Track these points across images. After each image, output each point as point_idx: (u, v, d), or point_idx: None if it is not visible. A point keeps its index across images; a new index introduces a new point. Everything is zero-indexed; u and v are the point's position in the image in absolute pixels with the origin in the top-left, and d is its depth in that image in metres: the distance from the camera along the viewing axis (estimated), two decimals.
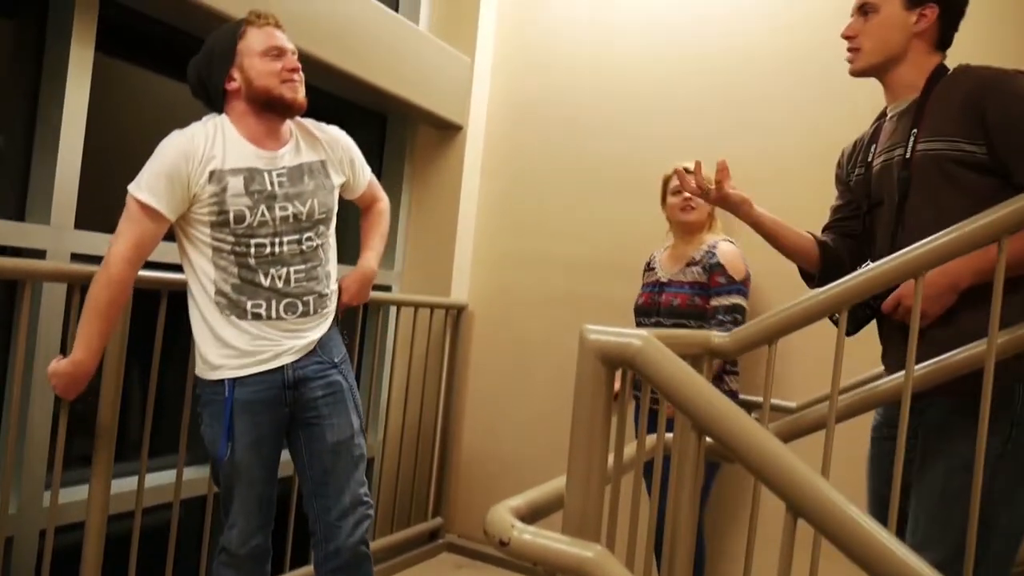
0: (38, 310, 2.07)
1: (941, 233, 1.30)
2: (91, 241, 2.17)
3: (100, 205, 2.26)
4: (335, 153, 1.96)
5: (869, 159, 1.65)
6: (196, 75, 1.86)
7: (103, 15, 2.17)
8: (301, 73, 1.85)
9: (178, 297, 1.96)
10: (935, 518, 1.40)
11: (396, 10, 3.36)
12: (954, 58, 1.59)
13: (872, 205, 1.64)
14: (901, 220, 1.54)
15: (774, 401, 2.40)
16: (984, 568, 1.33)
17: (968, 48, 1.64)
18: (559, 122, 3.35)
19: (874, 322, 1.59)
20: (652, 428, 1.39)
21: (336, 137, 1.98)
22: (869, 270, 1.36)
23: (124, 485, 2.17)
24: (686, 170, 2.00)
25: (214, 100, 1.85)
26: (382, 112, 3.37)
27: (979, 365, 1.30)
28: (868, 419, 1.66)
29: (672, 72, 3.11)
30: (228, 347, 1.79)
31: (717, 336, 1.48)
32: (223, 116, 1.83)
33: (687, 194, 2.51)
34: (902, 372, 1.34)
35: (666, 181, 2.68)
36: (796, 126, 2.85)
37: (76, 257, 2.13)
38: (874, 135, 1.68)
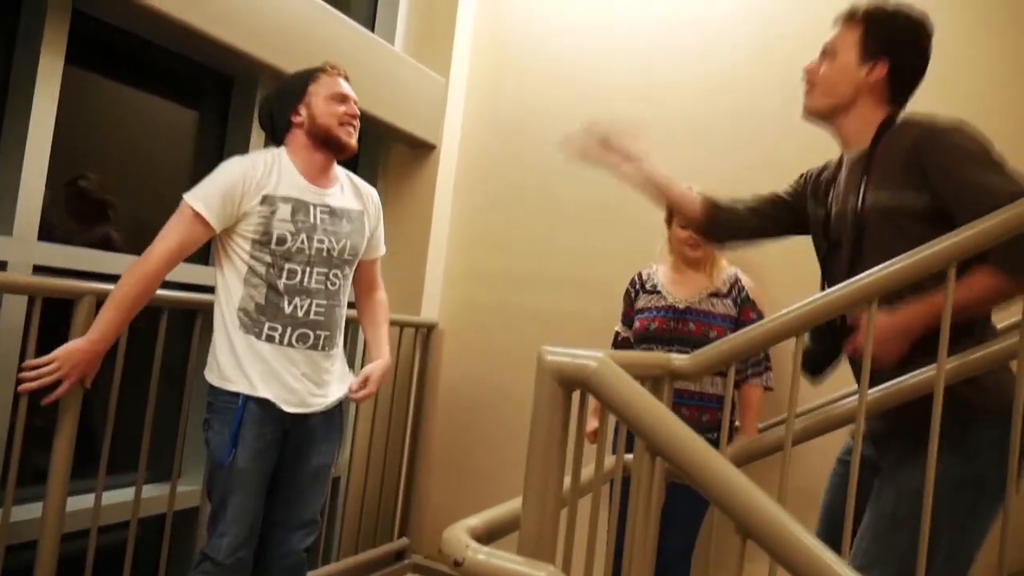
0: None
1: (893, 260, 1.34)
2: (54, 253, 2.14)
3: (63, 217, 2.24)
4: (371, 210, 2.15)
5: (829, 201, 1.69)
6: (268, 106, 2.07)
7: (74, 26, 2.16)
8: (358, 121, 2.06)
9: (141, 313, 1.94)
10: (881, 540, 1.42)
11: (372, 30, 3.38)
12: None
13: (831, 246, 1.67)
14: (856, 265, 1.56)
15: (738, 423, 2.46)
16: None
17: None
18: (532, 141, 3.38)
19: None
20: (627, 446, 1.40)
21: (374, 196, 2.19)
22: (824, 295, 1.39)
23: (80, 503, 2.13)
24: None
25: (277, 131, 2.04)
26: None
27: (929, 389, 1.33)
28: (828, 440, 1.68)
29: (644, 94, 3.16)
30: (244, 365, 1.91)
31: (678, 359, 1.50)
32: (282, 149, 2.01)
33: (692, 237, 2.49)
34: (855, 396, 1.37)
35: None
36: (776, 149, 2.88)
37: (38, 269, 2.11)
38: (835, 177, 1.71)
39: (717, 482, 0.98)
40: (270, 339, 1.92)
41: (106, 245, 2.47)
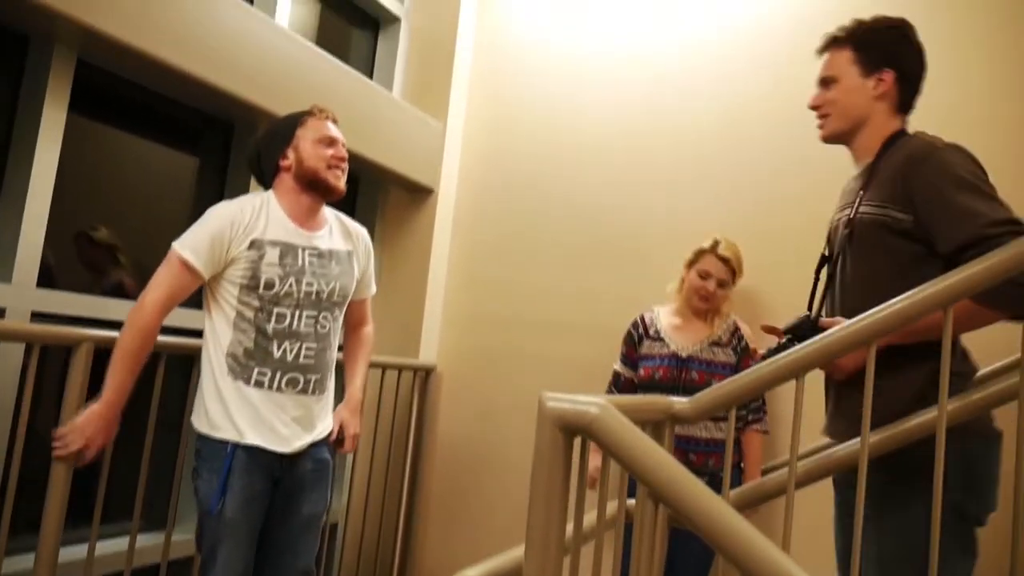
0: None
1: (891, 302, 1.35)
2: (52, 299, 2.14)
3: (64, 264, 2.25)
4: (360, 250, 2.13)
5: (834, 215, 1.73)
6: (256, 149, 2.05)
7: (77, 74, 2.20)
8: (346, 164, 2.04)
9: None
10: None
11: (371, 77, 3.44)
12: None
13: (829, 257, 1.70)
14: (840, 276, 1.63)
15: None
16: None
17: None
18: (529, 186, 3.42)
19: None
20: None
21: (363, 236, 2.16)
22: (822, 338, 1.39)
23: (74, 553, 2.09)
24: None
25: (266, 174, 2.03)
26: (354, 174, 3.40)
27: (930, 431, 1.33)
28: (831, 483, 1.67)
29: (642, 141, 3.20)
30: (232, 412, 1.88)
31: (678, 403, 1.49)
32: (270, 192, 2.00)
33: (711, 288, 2.53)
34: (856, 440, 1.36)
35: (699, 253, 2.59)
36: (772, 195, 2.92)
37: (36, 316, 2.11)
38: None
39: (719, 528, 0.97)
40: (259, 384, 1.90)
41: (119, 292, 2.49)
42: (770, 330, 1.65)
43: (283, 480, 1.94)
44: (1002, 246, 1.30)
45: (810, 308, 1.68)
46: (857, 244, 1.59)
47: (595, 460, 2.52)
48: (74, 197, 2.32)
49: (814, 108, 1.71)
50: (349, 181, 3.38)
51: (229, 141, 2.80)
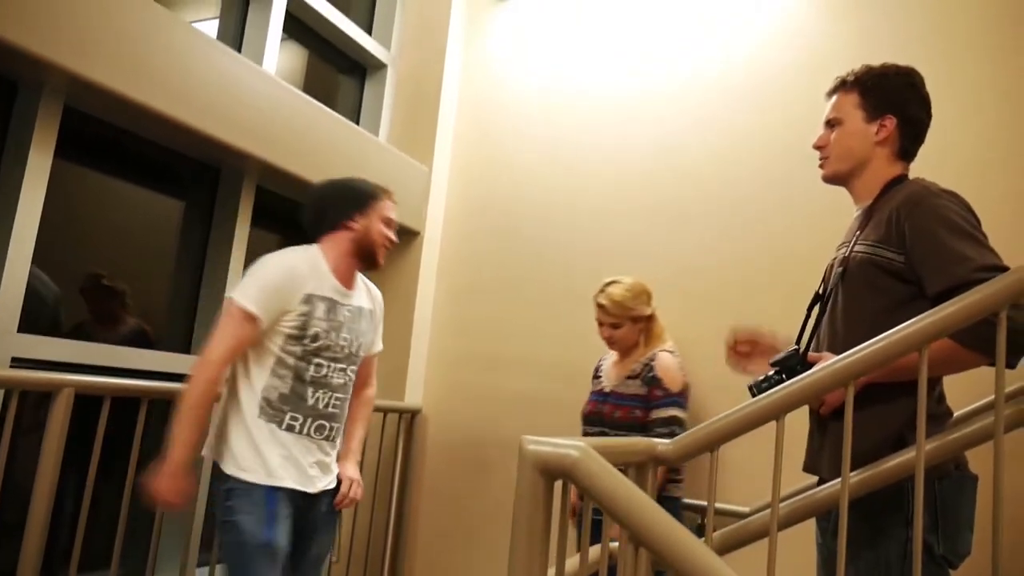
0: None
1: (869, 342, 1.36)
2: (33, 345, 2.13)
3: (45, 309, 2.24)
4: (378, 310, 2.26)
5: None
6: (323, 202, 2.14)
7: (65, 121, 2.22)
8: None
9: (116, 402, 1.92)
10: None
11: (357, 122, 3.49)
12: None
13: (823, 296, 1.73)
14: (831, 313, 1.65)
15: (727, 506, 2.43)
16: None
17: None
18: (513, 229, 3.45)
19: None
20: (595, 538, 1.38)
21: (380, 298, 2.29)
22: (803, 378, 1.40)
23: None
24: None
25: (322, 225, 2.11)
26: None
27: (908, 472, 1.34)
28: (813, 524, 1.67)
29: (623, 184, 3.24)
30: (264, 452, 1.92)
31: (661, 444, 1.50)
32: (316, 248, 2.07)
33: (605, 333, 2.65)
34: (838, 480, 1.37)
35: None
36: (756, 231, 2.95)
37: (16, 361, 2.09)
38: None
39: (700, 573, 0.97)
40: (290, 428, 1.96)
41: (139, 340, 2.48)
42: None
43: (298, 520, 1.98)
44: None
45: (798, 343, 1.70)
46: (849, 282, 1.61)
47: (573, 497, 2.55)
48: (60, 241, 2.33)
49: (818, 148, 1.75)
50: None
51: (215, 185, 2.82)
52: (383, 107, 3.58)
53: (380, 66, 3.62)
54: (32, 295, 2.22)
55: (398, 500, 3.32)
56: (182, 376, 2.53)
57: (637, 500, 1.01)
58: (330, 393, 2.03)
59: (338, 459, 2.13)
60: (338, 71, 3.54)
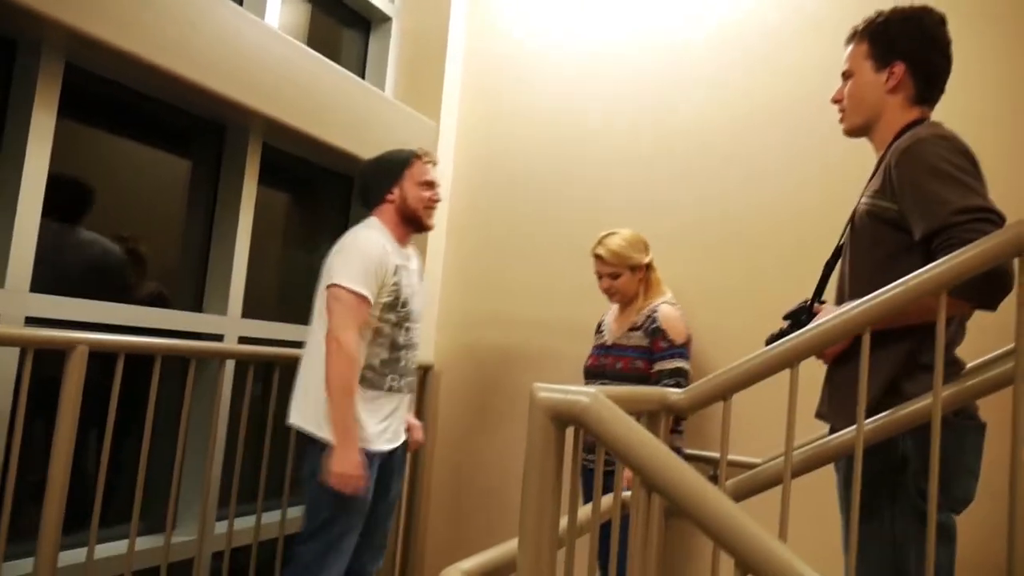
0: None
1: (884, 289, 1.34)
2: (47, 304, 2.14)
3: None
4: (420, 268, 2.47)
5: None
6: (364, 180, 2.38)
7: (66, 78, 2.19)
8: (439, 204, 2.39)
9: (131, 360, 1.93)
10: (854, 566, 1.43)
11: (363, 77, 3.43)
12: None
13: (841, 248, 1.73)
14: (841, 266, 1.66)
15: (739, 457, 2.43)
16: None
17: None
18: (524, 183, 3.41)
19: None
20: (607, 488, 1.38)
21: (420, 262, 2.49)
22: (817, 326, 1.39)
23: (73, 557, 2.09)
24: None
25: (371, 202, 2.35)
26: (349, 175, 3.41)
27: (924, 418, 1.33)
28: (828, 471, 1.67)
29: (636, 136, 3.20)
30: (363, 420, 2.13)
31: (673, 393, 1.49)
32: (375, 219, 2.31)
33: (605, 284, 2.66)
34: (852, 427, 1.36)
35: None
36: (764, 184, 2.92)
37: (30, 320, 2.10)
38: None
39: (715, 519, 0.97)
40: (391, 389, 2.22)
41: (160, 302, 2.50)
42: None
43: (383, 466, 2.24)
44: (970, 233, 1.32)
45: (815, 296, 1.69)
46: (856, 234, 1.61)
47: None
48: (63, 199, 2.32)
49: (836, 102, 1.72)
50: (345, 181, 3.43)
51: (221, 143, 2.79)
52: (388, 61, 3.52)
53: (384, 19, 3.55)
54: (98, 260, 2.40)
55: (412, 456, 3.35)
56: (194, 334, 2.56)
57: (649, 445, 1.00)
58: (412, 352, 2.30)
59: None
60: (341, 24, 3.48)
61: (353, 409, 2.07)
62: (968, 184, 1.43)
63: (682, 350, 2.52)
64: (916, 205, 1.45)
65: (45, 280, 2.16)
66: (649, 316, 2.59)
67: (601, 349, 2.69)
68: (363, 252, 2.15)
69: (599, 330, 2.78)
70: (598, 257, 2.66)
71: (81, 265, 2.37)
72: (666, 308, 2.59)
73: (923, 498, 1.36)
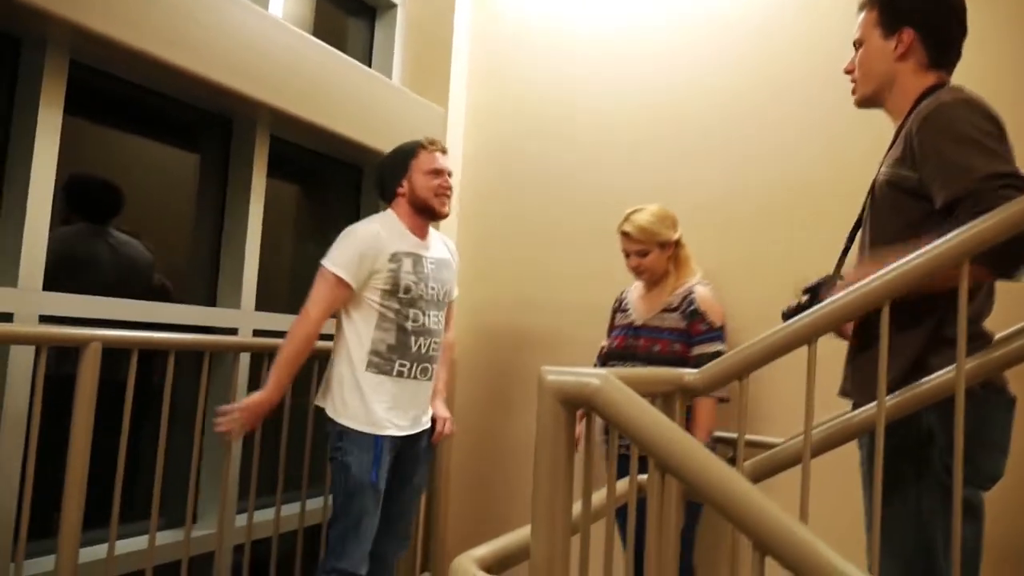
0: (5, 373, 2.03)
1: (904, 260, 1.30)
2: (60, 302, 2.14)
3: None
4: (454, 260, 2.55)
5: None
6: (380, 175, 2.47)
7: (71, 75, 2.18)
8: (452, 191, 2.43)
9: (145, 356, 1.93)
10: (877, 544, 1.40)
11: (370, 65, 3.41)
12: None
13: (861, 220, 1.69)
14: (862, 237, 1.62)
15: (757, 437, 2.40)
16: None
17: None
18: (534, 168, 3.38)
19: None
20: (623, 472, 1.36)
21: (455, 250, 2.58)
22: (835, 300, 1.35)
23: (94, 553, 2.10)
24: None
25: (386, 195, 2.44)
26: (358, 164, 3.39)
27: (948, 392, 1.29)
28: (849, 450, 1.63)
29: (647, 118, 3.15)
30: (371, 402, 2.21)
31: (688, 373, 1.46)
32: (391, 212, 2.40)
33: (633, 262, 2.58)
34: (873, 404, 1.33)
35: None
36: (782, 157, 2.86)
37: (45, 319, 2.10)
38: None
39: (733, 501, 0.94)
40: (400, 374, 2.27)
41: (162, 296, 2.51)
42: None
43: (402, 455, 2.30)
44: (996, 200, 1.27)
45: (836, 269, 1.65)
46: (876, 205, 1.57)
47: (577, 428, 2.55)
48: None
49: (848, 72, 1.67)
50: (353, 171, 3.41)
51: (229, 136, 2.78)
52: (395, 48, 3.49)
53: (390, 6, 3.52)
54: (128, 261, 2.47)
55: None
56: (209, 329, 2.56)
57: (662, 426, 0.98)
58: (429, 338, 2.32)
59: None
60: (347, 13, 3.45)
61: (287, 379, 2.19)
62: (993, 149, 1.38)
63: (720, 333, 2.48)
64: (939, 172, 1.40)
65: (78, 281, 2.23)
66: (686, 297, 2.52)
67: (628, 330, 2.60)
68: (352, 237, 2.26)
69: (621, 309, 2.70)
70: (625, 234, 2.58)
71: (115, 267, 2.44)
72: (702, 290, 2.53)
73: (949, 474, 1.32)
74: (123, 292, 2.32)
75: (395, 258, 2.27)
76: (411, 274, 2.29)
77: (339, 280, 2.20)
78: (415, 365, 2.29)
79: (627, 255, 2.60)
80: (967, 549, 1.37)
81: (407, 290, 2.27)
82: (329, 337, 2.43)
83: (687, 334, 2.48)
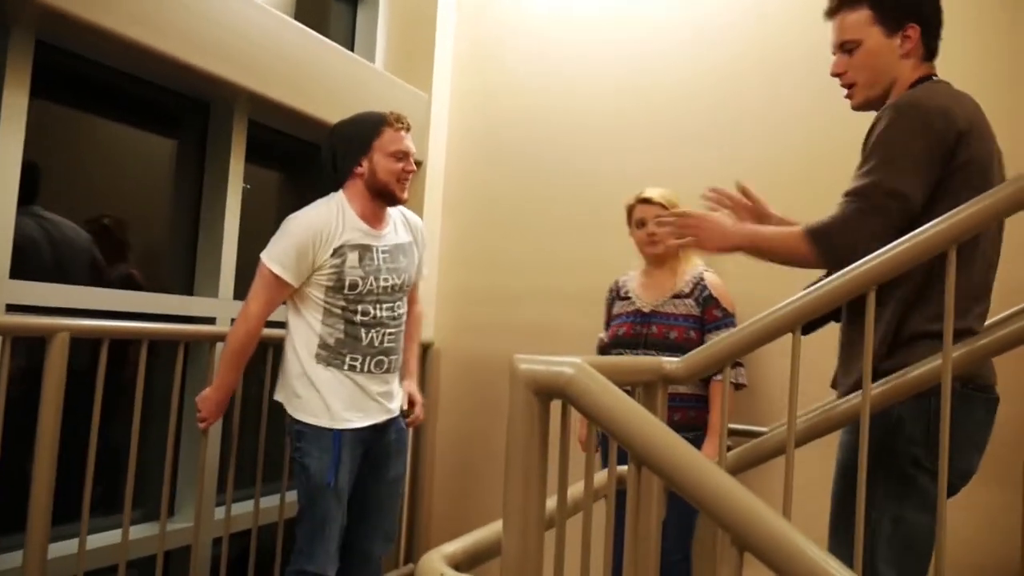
0: None
1: (891, 245, 1.28)
2: (27, 291, 2.08)
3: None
4: (419, 238, 2.36)
5: None
6: (331, 151, 2.21)
7: (40, 58, 2.12)
8: (414, 174, 2.25)
9: (117, 346, 1.87)
10: (833, 525, 1.42)
11: (352, 50, 3.34)
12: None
13: None
14: None
15: (744, 427, 2.36)
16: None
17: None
18: (520, 154, 3.33)
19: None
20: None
21: (420, 226, 2.39)
22: (819, 287, 1.32)
23: (65, 548, 2.05)
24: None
25: (339, 176, 2.20)
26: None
27: (935, 380, 1.26)
28: (830, 441, 1.60)
29: (633, 103, 3.11)
30: (326, 396, 2.10)
31: (669, 362, 1.42)
32: (341, 195, 2.18)
33: (651, 228, 2.50)
34: (858, 393, 1.30)
35: (629, 210, 2.62)
36: (770, 152, 2.83)
37: (11, 308, 2.04)
38: None
39: (710, 493, 0.90)
40: (352, 368, 2.13)
41: (128, 284, 2.45)
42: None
43: (371, 449, 2.18)
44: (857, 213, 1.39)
45: None
46: None
47: (581, 430, 2.51)
48: (48, 185, 2.25)
49: (837, 75, 1.61)
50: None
51: (206, 121, 2.72)
52: (378, 33, 3.42)
53: None
54: (67, 241, 2.31)
55: (415, 434, 3.30)
56: (183, 318, 2.50)
57: (639, 417, 0.94)
58: (382, 330, 2.16)
59: (401, 379, 2.30)
60: None
61: (233, 376, 2.15)
62: (902, 166, 1.39)
63: (734, 319, 2.46)
64: (860, 165, 1.45)
65: (18, 266, 2.10)
66: (697, 283, 2.50)
67: (636, 316, 2.54)
68: (291, 232, 2.10)
69: (621, 296, 2.64)
70: (645, 201, 2.52)
71: (52, 247, 2.29)
72: (712, 276, 2.52)
73: (915, 465, 1.31)
74: (64, 274, 2.21)
75: (338, 252, 2.10)
76: (356, 269, 2.11)
77: (276, 277, 2.07)
78: (368, 359, 2.14)
79: (641, 224, 2.54)
80: (922, 538, 1.35)
81: (353, 286, 2.11)
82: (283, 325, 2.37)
83: (701, 320, 2.46)
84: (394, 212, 2.27)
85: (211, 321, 2.59)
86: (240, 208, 2.71)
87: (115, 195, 2.54)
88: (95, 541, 2.15)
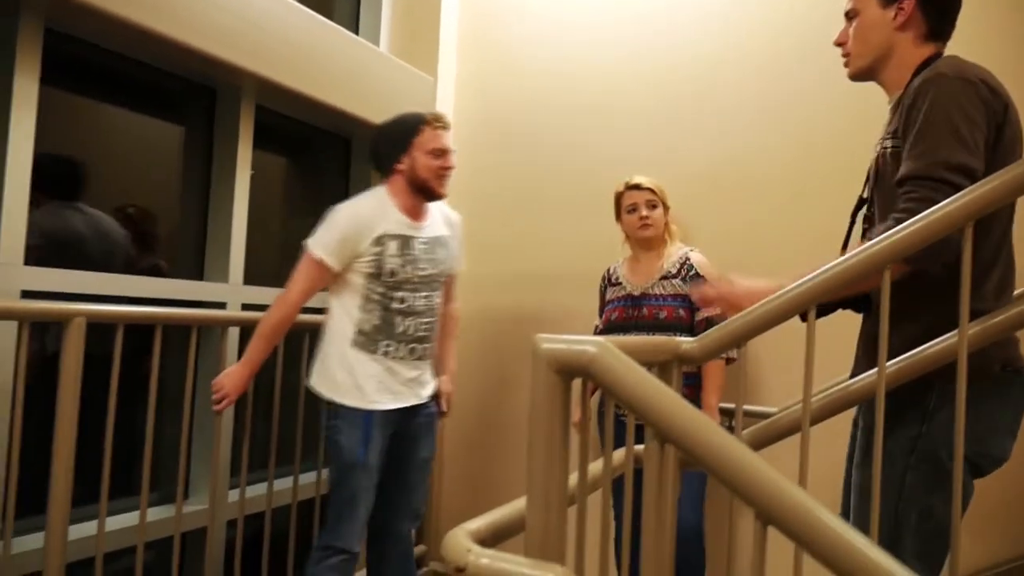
0: None
1: (905, 224, 1.28)
2: (42, 277, 2.09)
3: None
4: (455, 233, 2.47)
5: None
6: (376, 148, 2.38)
7: (49, 45, 2.11)
8: (453, 171, 2.36)
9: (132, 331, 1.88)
10: (857, 513, 1.39)
11: (356, 33, 3.33)
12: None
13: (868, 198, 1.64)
14: (867, 209, 1.58)
15: (757, 407, 2.38)
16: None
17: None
18: (525, 137, 3.33)
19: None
20: (621, 442, 1.34)
21: (458, 222, 2.50)
22: (832, 266, 1.32)
23: (84, 530, 2.08)
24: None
25: (382, 170, 2.35)
26: (347, 135, 3.33)
27: (951, 357, 1.27)
28: (848, 418, 1.61)
29: (632, 88, 3.10)
30: (359, 379, 2.20)
31: (685, 342, 1.43)
32: (383, 189, 2.31)
33: (643, 212, 2.56)
34: (873, 371, 1.31)
35: (618, 197, 2.67)
36: (758, 135, 2.83)
37: (27, 294, 2.06)
38: None
39: (735, 469, 0.92)
40: (386, 354, 2.23)
41: (155, 274, 2.47)
42: None
43: (401, 430, 2.28)
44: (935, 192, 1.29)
45: (844, 248, 1.60)
46: (880, 178, 1.52)
47: (575, 413, 2.53)
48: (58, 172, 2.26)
49: (839, 44, 1.60)
50: (342, 142, 3.35)
51: (213, 107, 2.71)
52: (382, 15, 3.41)
53: None
54: (107, 234, 2.41)
55: None
56: (197, 303, 2.52)
57: (661, 394, 0.95)
58: (416, 319, 2.27)
59: (436, 373, 2.42)
60: None
61: (263, 354, 2.23)
62: (964, 138, 1.34)
63: None
64: (912, 146, 1.38)
65: (65, 259, 2.18)
66: (684, 263, 2.54)
67: (627, 300, 2.60)
68: (337, 220, 2.22)
69: (612, 283, 2.70)
70: (636, 187, 2.60)
71: (97, 241, 2.38)
72: (698, 256, 2.57)
73: (951, 457, 1.29)
74: (108, 266, 2.27)
75: (379, 241, 2.22)
76: (396, 257, 2.23)
77: (321, 262, 2.19)
78: (402, 345, 2.26)
79: (634, 209, 2.60)
80: (941, 526, 1.33)
81: (392, 274, 2.22)
82: (321, 311, 2.40)
83: (687, 298, 2.50)
84: (434, 208, 2.38)
85: (222, 306, 2.61)
86: (249, 192, 2.71)
87: (124, 182, 2.55)
88: (113, 523, 2.17)
